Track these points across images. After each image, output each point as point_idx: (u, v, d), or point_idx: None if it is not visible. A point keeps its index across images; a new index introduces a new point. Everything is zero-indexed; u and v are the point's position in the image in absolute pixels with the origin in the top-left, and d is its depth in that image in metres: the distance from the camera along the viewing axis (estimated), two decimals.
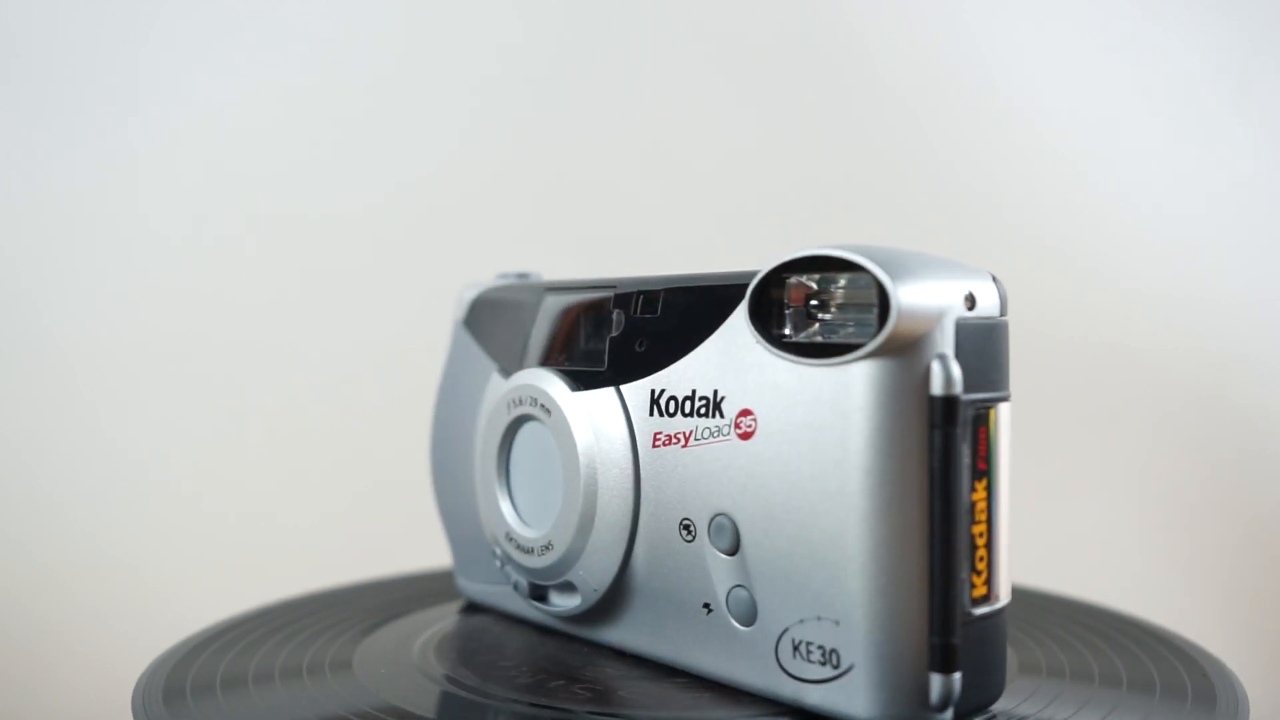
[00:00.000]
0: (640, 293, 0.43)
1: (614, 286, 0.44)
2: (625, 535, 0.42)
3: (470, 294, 0.52)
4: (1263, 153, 0.74)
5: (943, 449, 0.34)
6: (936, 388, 0.34)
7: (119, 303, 0.78)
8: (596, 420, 0.43)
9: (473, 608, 0.52)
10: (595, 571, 0.43)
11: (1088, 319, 0.74)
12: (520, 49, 0.82)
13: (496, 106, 0.82)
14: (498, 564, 0.48)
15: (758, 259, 0.47)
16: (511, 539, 0.46)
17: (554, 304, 0.47)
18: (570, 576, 0.44)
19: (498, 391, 0.48)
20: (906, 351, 0.34)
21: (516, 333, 0.48)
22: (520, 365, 0.47)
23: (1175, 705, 0.40)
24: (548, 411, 0.44)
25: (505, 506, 0.47)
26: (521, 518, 0.46)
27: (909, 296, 0.34)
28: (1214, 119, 0.76)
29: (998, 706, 0.37)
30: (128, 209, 0.78)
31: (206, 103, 0.79)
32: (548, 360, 0.46)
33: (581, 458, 0.42)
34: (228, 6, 0.79)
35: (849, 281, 0.36)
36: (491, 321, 0.50)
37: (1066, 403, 0.75)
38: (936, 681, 0.35)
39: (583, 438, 0.43)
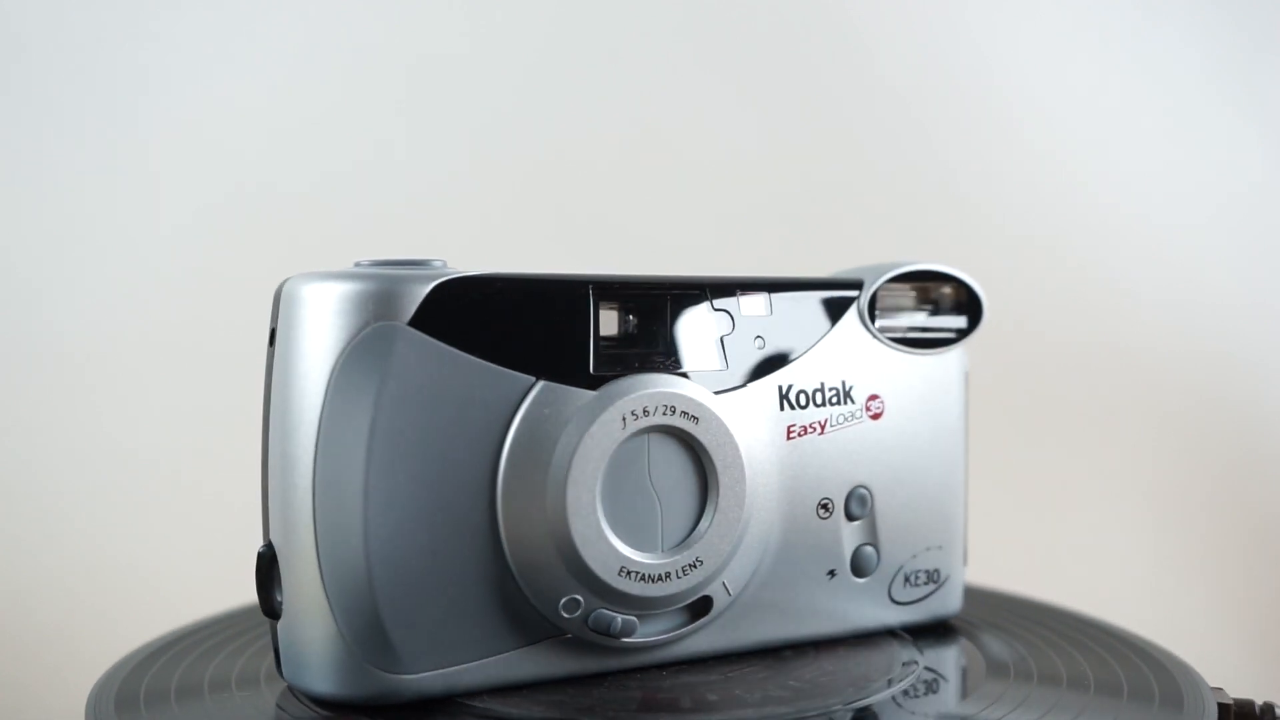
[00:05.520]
0: (739, 292, 0.42)
1: (702, 284, 0.42)
2: (768, 532, 0.42)
3: (414, 289, 0.37)
4: (1265, 155, 0.77)
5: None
6: (967, 365, 0.49)
7: (117, 300, 0.76)
8: (743, 421, 0.41)
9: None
10: (738, 576, 0.42)
11: (1087, 320, 0.74)
12: (512, 45, 0.82)
13: (497, 103, 0.82)
14: (577, 616, 0.38)
15: (759, 260, 0.52)
16: (629, 573, 0.39)
17: (617, 302, 0.40)
18: (710, 590, 0.41)
19: (567, 405, 0.38)
20: None
21: (550, 334, 0.39)
22: (595, 371, 0.39)
23: (1142, 707, 0.41)
24: (694, 419, 0.40)
25: (614, 538, 0.38)
26: (633, 545, 0.39)
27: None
28: (1216, 121, 0.77)
29: (967, 709, 0.41)
30: (127, 204, 0.76)
31: (208, 94, 0.77)
32: (640, 365, 0.40)
33: (745, 462, 0.41)
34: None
35: (936, 289, 0.47)
36: (492, 323, 0.38)
37: (1066, 404, 0.74)
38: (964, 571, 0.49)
39: (742, 440, 0.41)
